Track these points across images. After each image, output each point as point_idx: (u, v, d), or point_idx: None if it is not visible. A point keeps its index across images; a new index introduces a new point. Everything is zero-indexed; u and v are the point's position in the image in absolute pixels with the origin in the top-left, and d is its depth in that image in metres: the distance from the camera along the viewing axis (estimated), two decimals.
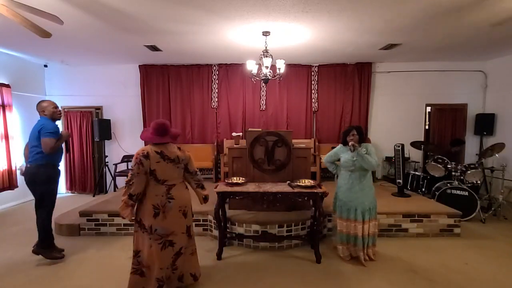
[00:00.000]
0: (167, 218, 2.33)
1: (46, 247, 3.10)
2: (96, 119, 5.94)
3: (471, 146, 6.13)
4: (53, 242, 3.18)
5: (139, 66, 6.12)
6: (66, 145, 3.22)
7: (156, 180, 2.33)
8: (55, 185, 3.13)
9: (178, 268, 2.43)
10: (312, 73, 6.13)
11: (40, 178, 2.96)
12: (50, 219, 3.14)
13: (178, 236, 2.39)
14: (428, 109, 6.25)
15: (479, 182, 4.89)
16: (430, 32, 4.13)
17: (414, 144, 5.41)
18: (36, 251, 3.08)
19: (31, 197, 5.76)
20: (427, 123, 6.32)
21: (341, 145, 3.18)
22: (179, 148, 2.51)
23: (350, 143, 2.96)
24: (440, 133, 6.20)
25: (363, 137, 3.06)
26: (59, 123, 3.25)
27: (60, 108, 3.16)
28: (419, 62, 5.96)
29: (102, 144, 6.15)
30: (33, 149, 2.97)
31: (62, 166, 3.38)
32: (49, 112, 3.05)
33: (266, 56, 4.15)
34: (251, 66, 4.36)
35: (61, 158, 3.20)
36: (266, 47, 4.18)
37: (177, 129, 6.17)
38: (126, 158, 6.25)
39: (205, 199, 2.68)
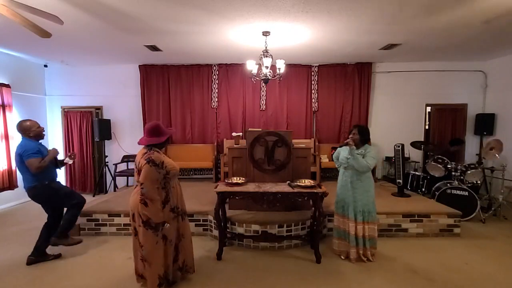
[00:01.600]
0: None
1: (64, 236, 3.18)
2: (96, 119, 5.93)
3: (471, 146, 6.14)
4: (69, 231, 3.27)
5: (139, 66, 6.12)
6: (56, 161, 3.22)
7: None
8: (64, 189, 3.18)
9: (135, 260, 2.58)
10: (312, 73, 6.13)
11: (41, 198, 3.07)
12: (77, 214, 3.29)
13: (132, 230, 2.52)
14: (428, 109, 6.25)
15: (479, 182, 4.89)
16: (430, 32, 4.13)
17: (414, 144, 5.41)
18: (54, 242, 3.14)
19: None
20: (427, 123, 6.32)
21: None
22: (145, 153, 2.37)
23: (346, 140, 3.01)
24: (440, 133, 6.20)
25: (365, 138, 3.07)
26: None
27: (42, 127, 3.19)
28: (419, 62, 5.96)
29: (102, 144, 6.15)
30: (22, 175, 3.00)
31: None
32: (35, 133, 3.04)
33: (266, 56, 4.15)
34: (251, 66, 4.36)
35: (54, 174, 3.18)
36: (266, 47, 4.18)
37: (177, 129, 6.19)
38: (126, 158, 6.25)
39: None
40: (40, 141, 3.12)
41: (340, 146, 3.10)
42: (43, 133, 3.15)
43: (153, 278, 2.41)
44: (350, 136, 3.03)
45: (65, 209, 3.26)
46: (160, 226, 2.36)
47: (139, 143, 2.47)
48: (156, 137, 2.44)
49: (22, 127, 3.00)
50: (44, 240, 3.14)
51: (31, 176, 2.95)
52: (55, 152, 3.13)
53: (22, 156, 2.89)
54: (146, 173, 2.28)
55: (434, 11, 3.42)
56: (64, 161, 3.30)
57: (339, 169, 3.34)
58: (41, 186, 3.01)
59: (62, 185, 3.27)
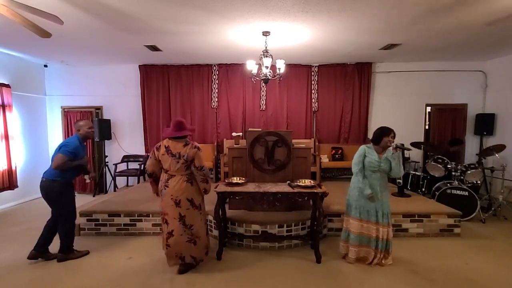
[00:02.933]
0: (163, 201, 2.84)
1: (67, 252, 3.18)
2: (96, 119, 5.93)
3: (471, 146, 6.14)
4: (72, 245, 3.25)
5: (139, 66, 6.12)
6: (84, 170, 3.28)
7: (163, 168, 2.86)
8: (70, 199, 3.18)
9: (172, 247, 2.80)
10: (312, 73, 6.13)
11: (54, 193, 3.03)
12: (72, 228, 3.23)
13: (170, 219, 2.81)
14: (428, 109, 6.25)
15: (479, 182, 4.89)
16: (430, 32, 4.13)
17: (414, 144, 5.40)
18: (61, 258, 3.14)
19: (31, 197, 5.77)
20: (427, 123, 6.33)
21: (367, 145, 3.06)
22: (186, 145, 2.77)
23: (393, 144, 2.89)
24: (440, 133, 6.20)
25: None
26: None
27: (94, 129, 3.34)
28: (419, 62, 5.96)
29: (102, 144, 6.15)
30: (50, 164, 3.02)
31: None
32: (84, 132, 3.18)
33: (266, 56, 4.15)
34: (251, 66, 4.36)
35: (74, 176, 3.24)
36: (266, 47, 4.18)
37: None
38: (126, 158, 6.26)
39: (204, 192, 2.91)
40: (84, 144, 3.26)
41: (397, 148, 2.89)
42: (92, 134, 3.27)
43: (202, 249, 2.90)
44: (391, 139, 2.90)
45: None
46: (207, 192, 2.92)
47: (173, 135, 2.79)
48: (184, 130, 2.83)
49: (76, 125, 3.22)
50: (47, 239, 3.15)
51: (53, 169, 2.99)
52: (85, 161, 3.22)
53: (60, 148, 3.00)
54: (201, 157, 2.79)
55: (434, 12, 3.42)
56: (84, 177, 3.37)
57: (356, 172, 3.02)
58: (64, 182, 3.05)
59: (73, 194, 3.27)
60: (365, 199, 2.95)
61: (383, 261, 3.00)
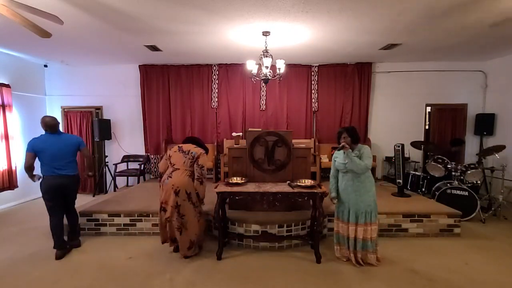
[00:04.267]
0: (163, 190, 3.09)
1: (76, 238, 3.50)
2: (96, 119, 5.93)
3: (471, 146, 6.13)
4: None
5: (139, 66, 6.12)
6: None
7: (170, 163, 3.19)
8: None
9: (169, 230, 3.16)
10: (312, 73, 6.13)
11: (77, 185, 3.44)
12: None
13: (168, 207, 3.05)
14: (428, 109, 6.25)
15: (479, 182, 4.89)
16: (430, 32, 4.13)
17: (414, 144, 5.40)
18: (69, 245, 3.39)
19: (31, 197, 5.77)
20: (427, 123, 6.33)
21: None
22: (196, 147, 3.22)
23: (340, 145, 2.96)
24: (440, 133, 6.20)
25: (356, 138, 3.02)
26: None
27: None
28: (419, 62, 5.96)
29: (102, 144, 6.15)
30: (70, 162, 3.31)
31: None
32: None
33: (266, 56, 4.15)
34: (251, 66, 4.36)
35: None
36: (266, 47, 4.18)
37: (177, 129, 6.23)
38: (126, 158, 6.26)
39: (197, 196, 3.12)
40: None
41: (338, 150, 3.03)
42: None
43: (185, 242, 3.09)
44: (342, 140, 2.97)
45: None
46: (202, 201, 3.20)
47: (189, 139, 3.44)
48: (199, 142, 3.42)
49: (57, 123, 3.45)
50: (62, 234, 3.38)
51: (76, 164, 3.36)
52: None
53: (80, 144, 3.39)
54: (205, 159, 3.14)
55: (434, 12, 3.42)
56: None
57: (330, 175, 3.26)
58: (78, 173, 3.41)
59: None
60: (341, 199, 3.09)
61: (361, 261, 3.00)
